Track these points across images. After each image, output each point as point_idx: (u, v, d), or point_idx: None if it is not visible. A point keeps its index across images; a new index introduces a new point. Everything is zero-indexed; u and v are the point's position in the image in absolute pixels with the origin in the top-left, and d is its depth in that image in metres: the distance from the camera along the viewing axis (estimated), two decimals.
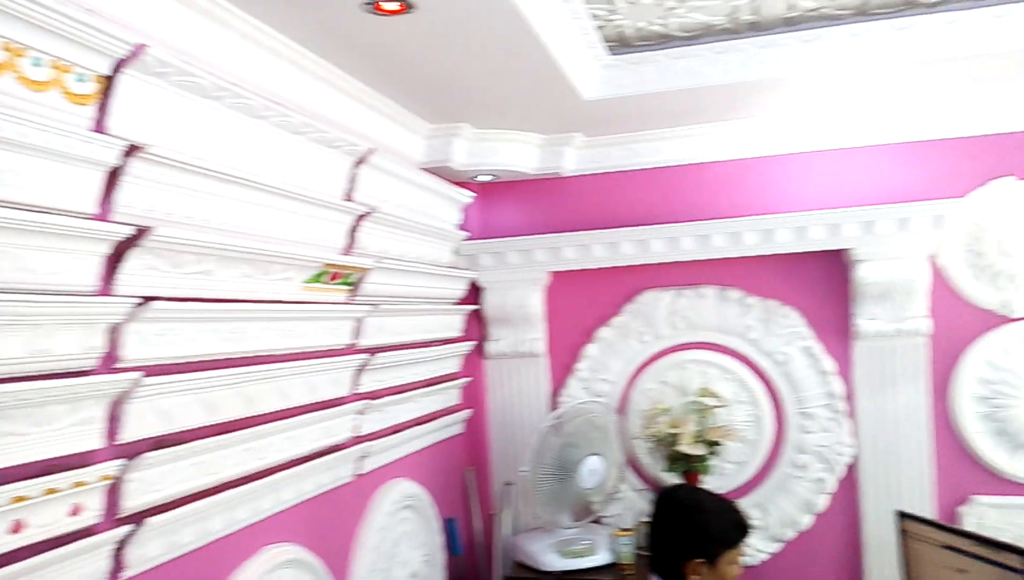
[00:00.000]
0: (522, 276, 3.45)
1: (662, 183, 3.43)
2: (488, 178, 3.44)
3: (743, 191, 3.35)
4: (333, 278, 2.38)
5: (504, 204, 3.61)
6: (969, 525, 3.09)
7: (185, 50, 1.75)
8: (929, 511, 3.12)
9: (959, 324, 3.14)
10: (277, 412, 2.11)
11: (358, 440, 2.56)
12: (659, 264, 3.35)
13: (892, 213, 3.00)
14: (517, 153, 3.29)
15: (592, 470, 3.14)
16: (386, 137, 2.78)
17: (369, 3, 1.84)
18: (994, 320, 3.11)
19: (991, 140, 3.09)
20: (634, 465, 3.46)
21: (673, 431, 3.19)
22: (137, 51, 1.48)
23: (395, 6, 1.86)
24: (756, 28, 2.61)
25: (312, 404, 2.29)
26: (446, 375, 3.35)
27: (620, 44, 2.71)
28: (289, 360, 2.14)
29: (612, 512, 3.40)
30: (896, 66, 2.62)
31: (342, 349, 2.47)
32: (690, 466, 3.20)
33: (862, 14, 2.54)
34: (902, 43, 2.55)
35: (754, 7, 2.46)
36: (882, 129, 3.17)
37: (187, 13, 1.76)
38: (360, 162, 2.42)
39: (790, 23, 2.58)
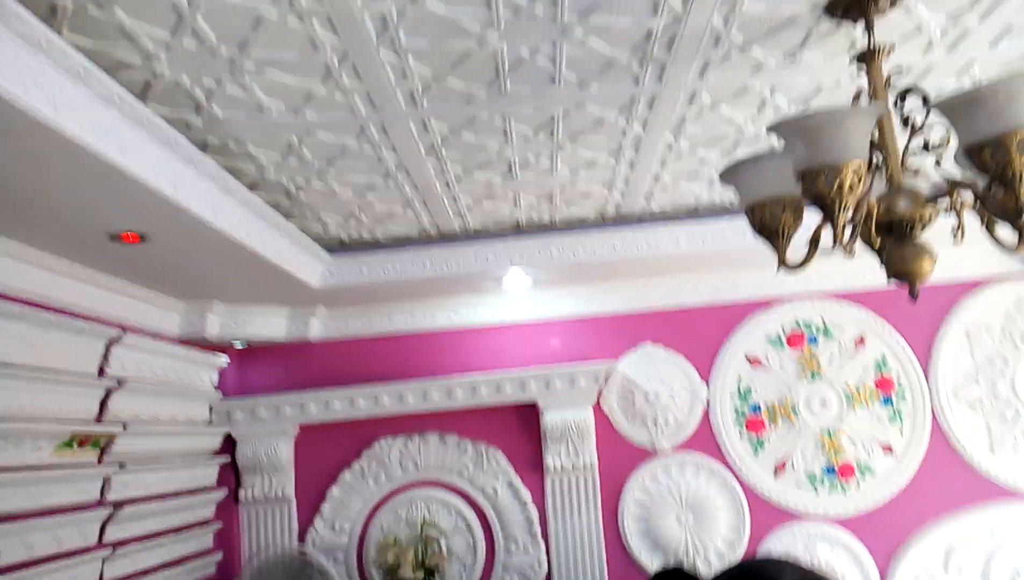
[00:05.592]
0: (272, 428, 3.97)
1: (392, 348, 4.16)
2: (242, 345, 4.00)
3: (454, 355, 4.14)
4: (82, 443, 2.82)
5: (259, 365, 4.17)
6: None
7: None
8: None
9: (620, 458, 4.03)
10: (21, 563, 2.48)
11: None
12: (390, 415, 4.02)
13: (564, 372, 3.88)
14: (266, 324, 3.90)
15: None
16: (143, 317, 3.29)
17: (113, 239, 2.42)
18: (645, 454, 4.03)
19: (636, 317, 4.12)
20: None
21: (397, 560, 3.76)
22: None
23: (133, 237, 2.45)
24: (443, 239, 3.48)
25: (57, 554, 2.67)
26: (198, 521, 3.74)
27: (340, 246, 3.47)
28: (35, 517, 2.54)
29: None
30: (558, 266, 3.57)
31: (90, 504, 2.87)
32: None
33: (519, 231, 3.49)
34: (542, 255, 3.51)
35: (435, 224, 3.32)
36: (557, 307, 4.13)
37: None
38: (113, 343, 2.93)
39: (465, 235, 3.48)
